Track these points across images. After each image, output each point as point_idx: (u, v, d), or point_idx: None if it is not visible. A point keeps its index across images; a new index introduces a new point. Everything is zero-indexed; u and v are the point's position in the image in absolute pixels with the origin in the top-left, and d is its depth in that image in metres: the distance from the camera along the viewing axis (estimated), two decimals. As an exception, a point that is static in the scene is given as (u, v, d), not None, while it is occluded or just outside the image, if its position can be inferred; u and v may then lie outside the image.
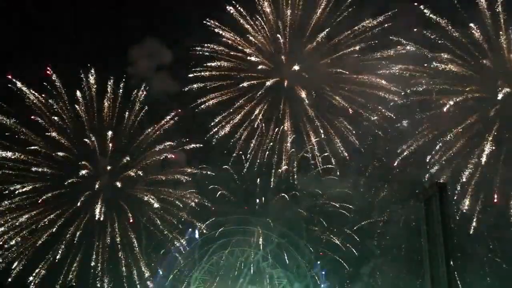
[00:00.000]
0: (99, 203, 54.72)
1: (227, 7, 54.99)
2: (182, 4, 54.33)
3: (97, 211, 54.57)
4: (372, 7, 54.47)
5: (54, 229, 53.89)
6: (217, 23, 55.56)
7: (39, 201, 53.59)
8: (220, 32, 55.70)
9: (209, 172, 57.15)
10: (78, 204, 54.47)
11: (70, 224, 54.47)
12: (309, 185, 56.80)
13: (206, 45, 55.70)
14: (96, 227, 55.13)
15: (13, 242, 53.11)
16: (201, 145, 56.64)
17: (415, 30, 53.17)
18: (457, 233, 50.64)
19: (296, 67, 55.50)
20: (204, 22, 55.26)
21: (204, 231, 56.59)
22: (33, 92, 54.31)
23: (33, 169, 53.90)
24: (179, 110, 56.46)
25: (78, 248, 54.41)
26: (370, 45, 54.59)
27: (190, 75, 55.83)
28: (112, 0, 58.05)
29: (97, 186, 55.21)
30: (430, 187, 34.12)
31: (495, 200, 51.26)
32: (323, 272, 56.49)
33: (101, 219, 54.64)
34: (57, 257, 53.82)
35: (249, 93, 56.40)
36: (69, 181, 54.38)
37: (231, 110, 56.21)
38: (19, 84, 53.65)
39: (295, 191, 57.18)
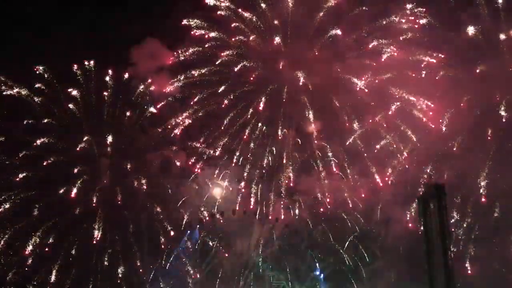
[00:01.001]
0: (97, 220, 54.52)
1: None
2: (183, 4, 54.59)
3: (96, 228, 54.44)
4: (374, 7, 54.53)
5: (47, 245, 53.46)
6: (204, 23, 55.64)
7: (34, 213, 53.06)
8: (205, 34, 55.66)
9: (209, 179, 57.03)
10: (76, 212, 54.40)
11: (66, 235, 54.14)
12: (310, 189, 56.65)
13: (194, 49, 55.87)
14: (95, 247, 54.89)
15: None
16: (202, 148, 56.77)
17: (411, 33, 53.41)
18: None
19: (301, 76, 55.22)
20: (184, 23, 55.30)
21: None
22: (27, 92, 54.29)
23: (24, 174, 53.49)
24: (185, 115, 56.40)
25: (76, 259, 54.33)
26: (368, 49, 54.74)
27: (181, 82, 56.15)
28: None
29: (95, 197, 54.99)
30: (428, 188, 34.11)
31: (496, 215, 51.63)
32: (322, 275, 56.54)
33: (99, 237, 54.37)
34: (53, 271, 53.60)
35: (248, 97, 56.44)
36: (64, 189, 53.92)
37: (230, 116, 56.12)
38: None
39: (296, 195, 57.06)
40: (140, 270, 55.21)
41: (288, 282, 56.45)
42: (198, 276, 55.88)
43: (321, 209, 56.65)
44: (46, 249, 53.25)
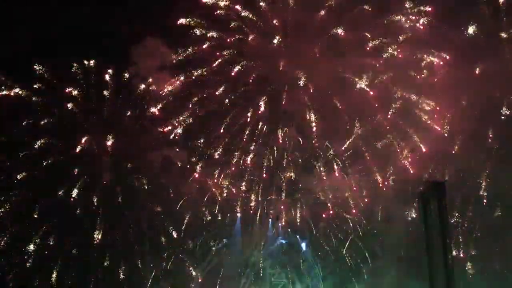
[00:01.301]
0: (98, 220, 54.54)
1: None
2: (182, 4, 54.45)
3: (96, 228, 54.51)
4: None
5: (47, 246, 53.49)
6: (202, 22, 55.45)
7: (34, 213, 52.98)
8: (205, 33, 55.45)
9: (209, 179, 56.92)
10: (76, 212, 54.31)
11: (67, 235, 54.15)
12: (311, 189, 56.65)
13: (194, 48, 55.63)
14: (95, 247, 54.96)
15: None
16: (202, 148, 56.65)
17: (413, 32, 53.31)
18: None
19: (301, 76, 55.04)
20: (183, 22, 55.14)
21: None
22: (27, 92, 54.09)
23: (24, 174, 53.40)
24: (185, 114, 56.24)
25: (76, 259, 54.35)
26: (370, 48, 54.43)
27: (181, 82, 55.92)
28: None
29: (95, 197, 54.93)
30: (428, 187, 34.02)
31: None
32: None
33: (99, 238, 54.39)
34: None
35: (248, 97, 56.29)
36: (64, 189, 53.79)
37: (230, 116, 55.96)
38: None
39: (297, 194, 57.05)
40: (141, 273, 55.31)
41: (288, 280, 56.58)
42: (199, 275, 55.84)
43: (322, 209, 56.67)
44: (46, 250, 53.32)
